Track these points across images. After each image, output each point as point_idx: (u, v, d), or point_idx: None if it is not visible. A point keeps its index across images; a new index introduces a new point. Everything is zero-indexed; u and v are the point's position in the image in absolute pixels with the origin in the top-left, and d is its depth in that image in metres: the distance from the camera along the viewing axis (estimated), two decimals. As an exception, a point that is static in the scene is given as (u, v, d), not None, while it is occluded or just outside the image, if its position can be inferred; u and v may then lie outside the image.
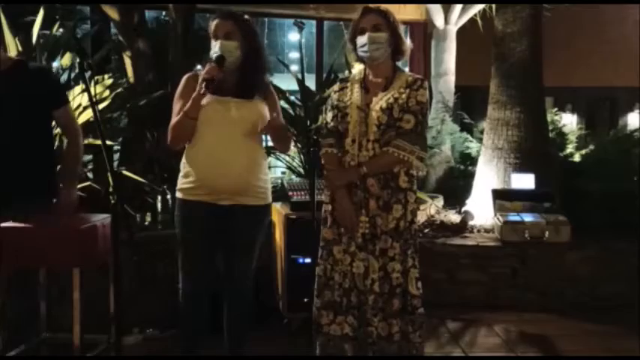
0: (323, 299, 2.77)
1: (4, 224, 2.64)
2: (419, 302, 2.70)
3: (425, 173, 5.08)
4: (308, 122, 4.17)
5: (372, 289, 2.66)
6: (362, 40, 2.67)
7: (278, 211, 3.75)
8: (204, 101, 2.59)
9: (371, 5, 2.72)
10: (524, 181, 4.69)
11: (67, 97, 3.01)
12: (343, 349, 2.81)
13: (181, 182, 2.70)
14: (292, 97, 4.76)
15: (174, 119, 2.63)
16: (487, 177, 4.91)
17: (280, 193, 3.95)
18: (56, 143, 3.18)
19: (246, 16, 2.72)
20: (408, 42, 2.79)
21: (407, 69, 6.66)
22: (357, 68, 2.97)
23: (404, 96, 2.64)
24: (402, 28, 2.78)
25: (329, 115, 2.81)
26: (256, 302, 3.32)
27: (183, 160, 2.71)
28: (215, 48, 2.61)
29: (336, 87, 2.87)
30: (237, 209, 2.65)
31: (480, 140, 5.31)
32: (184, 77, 2.73)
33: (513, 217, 4.36)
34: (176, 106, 2.66)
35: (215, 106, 2.61)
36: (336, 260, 2.73)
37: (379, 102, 2.65)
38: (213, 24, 2.67)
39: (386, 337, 2.66)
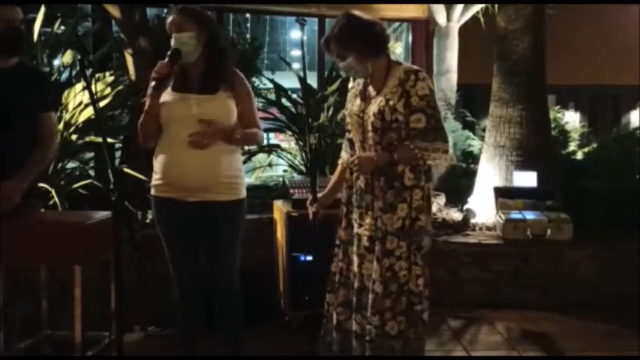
0: (340, 298, 2.77)
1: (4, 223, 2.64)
2: (418, 299, 2.69)
3: (452, 162, 5.07)
4: (310, 120, 4.17)
5: (372, 289, 2.64)
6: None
7: (280, 209, 3.75)
8: (167, 98, 2.57)
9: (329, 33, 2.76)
10: (527, 179, 4.68)
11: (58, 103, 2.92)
12: (352, 347, 2.78)
13: (153, 179, 2.69)
14: (294, 95, 4.76)
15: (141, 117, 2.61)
16: (489, 175, 4.90)
17: (282, 190, 3.94)
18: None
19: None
20: (390, 36, 2.72)
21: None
22: None
23: (396, 96, 2.57)
24: (373, 26, 2.66)
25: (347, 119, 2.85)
26: (256, 301, 3.31)
27: (154, 156, 2.69)
28: (172, 44, 2.55)
29: (350, 82, 2.88)
30: (206, 206, 2.59)
31: (482, 138, 5.29)
32: None
33: (515, 215, 4.34)
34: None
35: (176, 103, 2.58)
36: (351, 260, 2.75)
37: (372, 107, 2.64)
38: (167, 23, 2.61)
39: (384, 334, 2.65)
